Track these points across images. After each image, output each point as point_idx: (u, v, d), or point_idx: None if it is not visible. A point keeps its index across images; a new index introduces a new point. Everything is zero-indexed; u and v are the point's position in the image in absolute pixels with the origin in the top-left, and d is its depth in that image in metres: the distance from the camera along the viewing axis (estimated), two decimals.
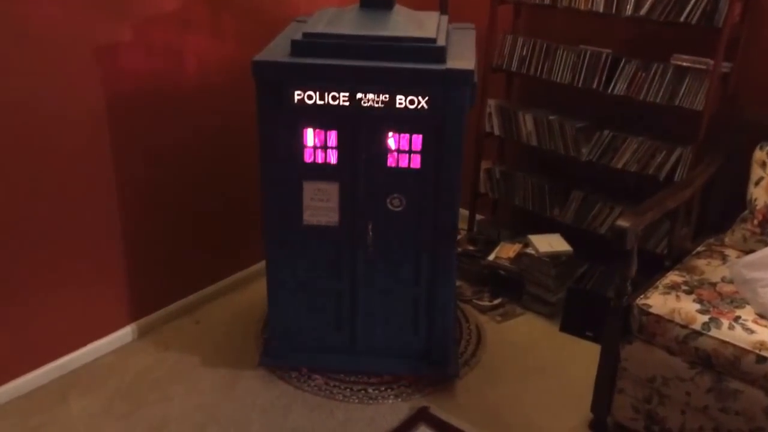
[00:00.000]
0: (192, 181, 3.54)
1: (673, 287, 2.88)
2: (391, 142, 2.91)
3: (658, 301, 2.80)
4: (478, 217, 4.42)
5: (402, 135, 2.89)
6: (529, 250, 3.85)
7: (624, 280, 2.85)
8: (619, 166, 3.65)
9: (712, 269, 3.01)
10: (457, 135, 2.87)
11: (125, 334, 3.50)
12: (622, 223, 2.76)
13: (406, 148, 2.90)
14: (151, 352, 3.47)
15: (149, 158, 3.33)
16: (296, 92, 2.79)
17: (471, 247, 4.14)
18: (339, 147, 2.92)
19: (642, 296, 2.86)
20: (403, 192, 2.98)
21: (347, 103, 2.79)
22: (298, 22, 3.29)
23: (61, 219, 3.07)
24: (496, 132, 4.07)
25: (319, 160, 2.94)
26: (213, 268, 3.85)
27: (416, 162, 2.92)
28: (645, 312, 2.79)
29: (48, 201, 3.01)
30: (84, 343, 3.34)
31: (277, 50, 2.90)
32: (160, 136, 3.34)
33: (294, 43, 2.84)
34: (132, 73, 3.16)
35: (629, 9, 3.39)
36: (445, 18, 3.22)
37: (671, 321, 2.72)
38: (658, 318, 2.75)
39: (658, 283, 2.94)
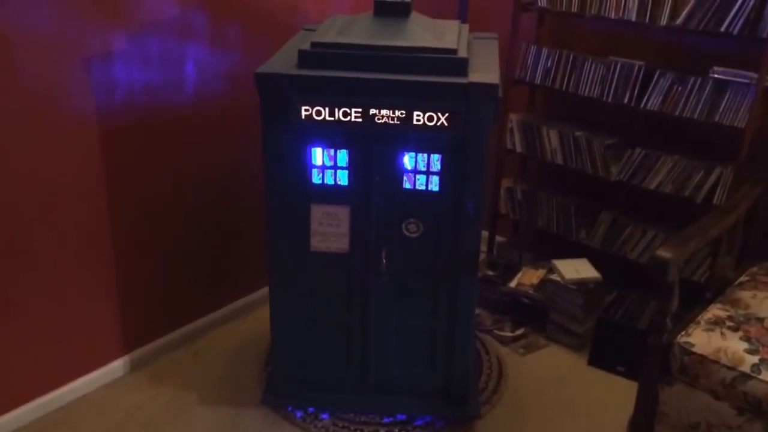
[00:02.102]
0: (191, 201, 3.40)
1: (717, 323, 2.68)
2: (408, 162, 2.75)
3: (701, 339, 2.60)
4: (498, 239, 4.25)
5: (419, 154, 2.72)
6: (554, 277, 3.66)
7: (664, 316, 2.65)
8: (652, 186, 3.46)
9: (758, 302, 2.80)
10: (479, 155, 2.69)
11: (116, 367, 3.33)
12: (664, 253, 2.55)
13: (424, 169, 2.73)
14: (145, 387, 3.28)
15: (144, 175, 3.18)
16: (303, 107, 2.61)
17: (491, 272, 3.95)
18: (350, 167, 2.75)
19: (683, 333, 2.66)
20: (421, 217, 2.81)
21: (360, 120, 2.61)
22: (306, 30, 3.12)
23: (45, 242, 2.91)
24: (518, 149, 3.89)
25: (329, 181, 2.78)
26: (213, 295, 3.67)
27: (435, 184, 2.76)
28: (687, 351, 2.59)
29: (31, 223, 2.85)
30: (71, 378, 3.17)
31: (283, 61, 2.72)
32: (156, 152, 3.19)
33: (301, 54, 2.66)
34: (126, 85, 3.01)
35: (664, 18, 3.22)
36: (465, 27, 3.06)
37: (717, 362, 2.52)
38: (702, 358, 2.55)
39: (699, 317, 2.74)
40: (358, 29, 2.78)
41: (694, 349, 2.56)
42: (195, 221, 3.44)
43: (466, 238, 2.81)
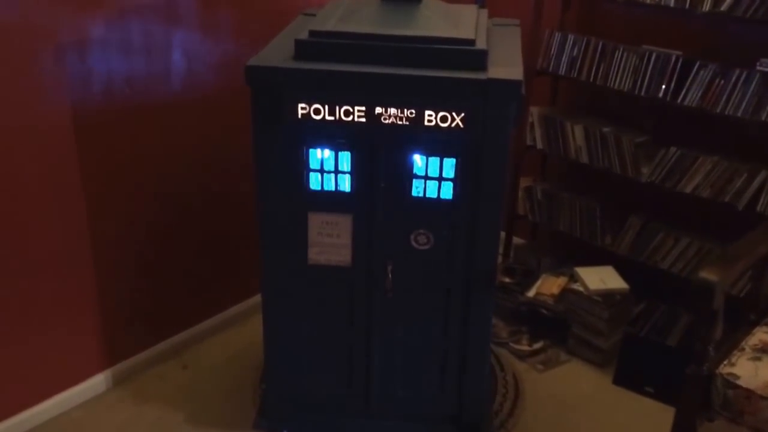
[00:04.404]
0: (178, 202, 3.26)
1: (764, 350, 2.53)
2: (417, 166, 2.54)
3: (746, 370, 2.40)
4: (516, 240, 4.06)
5: (431, 158, 2.52)
6: (577, 286, 3.44)
7: (705, 344, 2.44)
8: (688, 190, 3.25)
9: None
10: (499, 160, 2.48)
11: (98, 383, 3.19)
12: (710, 276, 2.34)
13: (436, 175, 2.54)
14: (128, 405, 3.12)
15: (125, 175, 3.04)
16: (300, 105, 2.41)
17: (507, 279, 3.74)
18: (353, 172, 2.56)
19: (726, 362, 2.47)
20: (431, 227, 2.61)
21: (364, 120, 2.41)
22: (305, 15, 2.91)
23: (16, 247, 2.77)
24: (539, 145, 3.71)
25: (329, 187, 2.59)
26: (203, 303, 3.53)
27: (448, 192, 2.56)
28: (731, 384, 2.40)
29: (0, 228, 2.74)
30: (47, 396, 3.03)
31: (278, 52, 2.51)
32: (139, 151, 3.05)
33: (298, 44, 2.45)
34: (104, 77, 2.86)
35: (707, 4, 3.05)
36: (484, 13, 2.84)
37: (765, 398, 2.32)
38: (749, 393, 2.35)
39: (743, 343, 2.57)
40: (363, 16, 2.57)
41: (739, 382, 2.36)
42: (182, 224, 3.31)
43: (482, 252, 2.60)
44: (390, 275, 2.66)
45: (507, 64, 2.45)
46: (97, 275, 3.05)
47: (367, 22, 2.51)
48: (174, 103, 3.09)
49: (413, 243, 2.62)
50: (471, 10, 2.74)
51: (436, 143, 2.47)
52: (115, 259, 3.10)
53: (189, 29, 3.06)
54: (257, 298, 3.54)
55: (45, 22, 2.61)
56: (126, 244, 3.12)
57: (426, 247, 2.61)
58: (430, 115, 2.37)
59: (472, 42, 2.41)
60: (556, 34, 3.53)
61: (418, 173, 2.53)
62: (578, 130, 3.52)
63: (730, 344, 2.54)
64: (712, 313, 2.36)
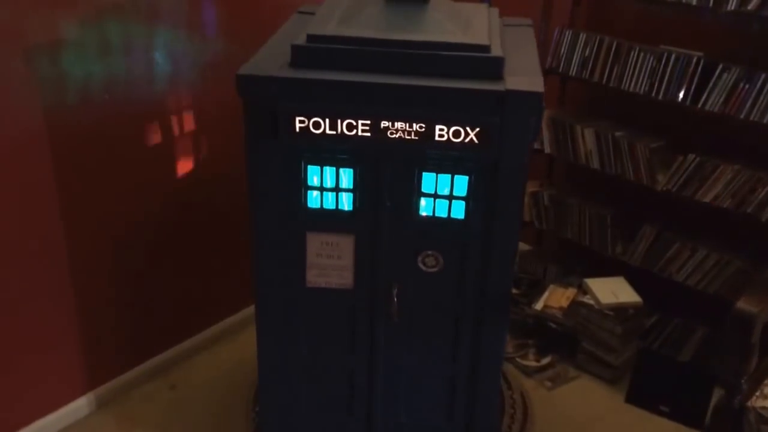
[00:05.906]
0: (161, 213, 3.11)
1: None
2: (427, 184, 2.34)
3: None
4: (521, 246, 3.83)
5: (441, 176, 2.33)
6: (587, 299, 3.27)
7: (738, 377, 2.30)
8: (707, 199, 3.06)
9: None
10: (515, 178, 2.29)
11: (80, 406, 3.05)
12: (749, 307, 2.21)
13: (447, 193, 2.35)
14: (113, 429, 2.99)
15: (104, 186, 2.89)
16: (298, 118, 2.21)
17: (514, 291, 3.52)
18: (356, 189, 2.37)
19: (758, 394, 2.32)
20: (441, 249, 2.43)
21: (368, 134, 2.22)
22: (301, 13, 2.69)
23: None
24: (547, 149, 3.50)
25: (329, 205, 2.39)
26: (190, 318, 3.39)
27: (459, 211, 2.36)
28: (765, 419, 2.25)
29: None
30: (26, 422, 2.89)
31: (273, 57, 2.29)
32: (119, 160, 2.90)
33: (295, 50, 2.24)
34: (80, 81, 2.69)
35: (733, 2, 2.86)
36: (495, 12, 2.62)
37: None
38: None
39: None
40: (366, 18, 2.35)
41: None
42: (166, 236, 3.16)
43: (495, 276, 2.40)
44: (396, 299, 2.46)
45: (526, 73, 2.24)
46: (77, 292, 2.90)
47: (371, 25, 2.30)
48: (156, 108, 2.93)
49: (421, 265, 2.43)
50: (482, 10, 2.53)
51: (448, 159, 2.28)
52: (96, 274, 2.95)
53: (174, 29, 2.89)
54: (246, 312, 3.46)
55: (14, 21, 2.44)
56: (107, 257, 2.97)
57: (435, 269, 2.43)
58: (441, 130, 2.18)
59: (487, 48, 2.20)
60: (567, 32, 3.33)
61: (427, 191, 2.33)
62: (589, 134, 3.33)
63: (761, 369, 2.38)
64: (750, 346, 2.19)
